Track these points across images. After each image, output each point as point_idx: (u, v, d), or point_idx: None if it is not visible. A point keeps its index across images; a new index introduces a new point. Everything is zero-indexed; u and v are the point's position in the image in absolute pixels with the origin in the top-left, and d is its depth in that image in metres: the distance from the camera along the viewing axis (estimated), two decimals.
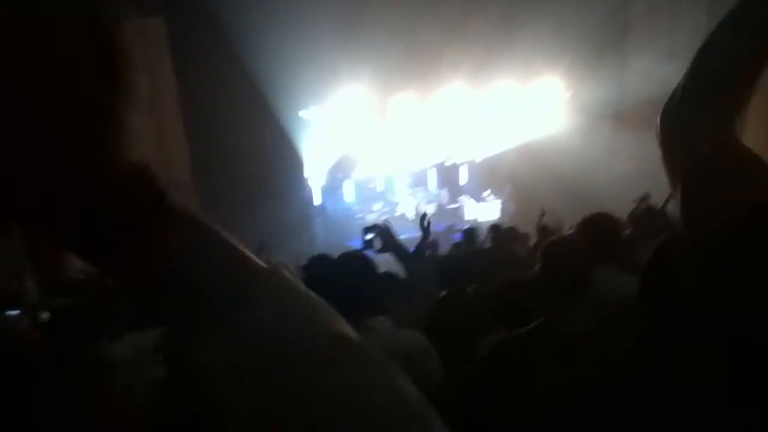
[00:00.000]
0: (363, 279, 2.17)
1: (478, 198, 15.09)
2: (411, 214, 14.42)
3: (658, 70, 8.49)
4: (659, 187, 1.66)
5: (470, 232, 7.13)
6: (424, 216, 5.55)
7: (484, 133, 14.86)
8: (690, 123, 0.78)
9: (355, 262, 2.29)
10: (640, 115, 8.79)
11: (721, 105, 0.77)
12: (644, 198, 5.40)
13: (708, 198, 0.72)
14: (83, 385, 0.59)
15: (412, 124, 14.51)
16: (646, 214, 4.52)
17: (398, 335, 1.99)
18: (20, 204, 0.38)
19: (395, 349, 1.71)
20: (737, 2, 0.76)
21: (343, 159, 14.68)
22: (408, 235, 12.29)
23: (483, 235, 7.30)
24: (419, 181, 15.27)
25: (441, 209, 14.64)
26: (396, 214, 14.48)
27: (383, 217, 12.66)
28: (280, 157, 13.16)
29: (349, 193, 14.97)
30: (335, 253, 2.49)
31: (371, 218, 13.39)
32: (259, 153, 12.19)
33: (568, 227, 6.45)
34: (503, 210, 14.60)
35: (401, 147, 14.72)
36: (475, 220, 13.43)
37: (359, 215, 14.20)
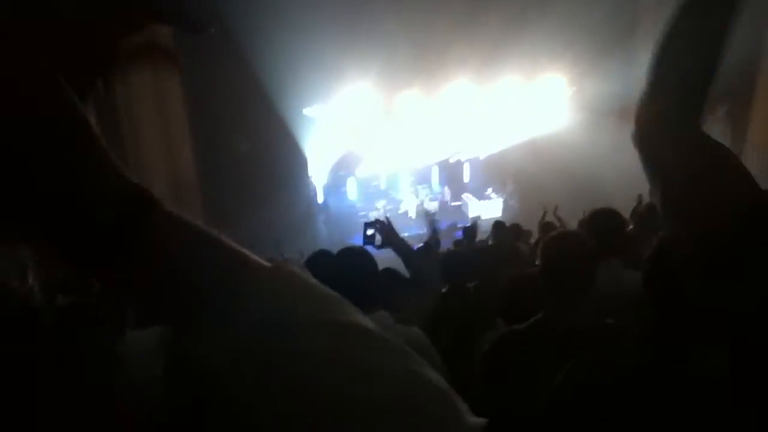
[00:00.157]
0: (363, 274, 2.15)
1: (481, 195, 15.09)
2: (413, 212, 14.44)
3: None
4: None
5: (470, 230, 7.14)
6: (432, 214, 5.56)
7: (488, 130, 14.86)
8: (664, 120, 0.78)
9: (355, 258, 2.28)
10: None
11: (692, 99, 0.77)
12: (641, 197, 5.40)
13: (708, 196, 0.71)
14: (94, 382, 0.60)
15: (416, 121, 14.50)
16: (649, 211, 4.50)
17: (397, 330, 1.97)
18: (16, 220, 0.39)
19: None
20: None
21: (346, 156, 14.69)
22: (410, 232, 12.34)
23: (486, 232, 7.30)
24: (423, 178, 15.27)
25: (444, 207, 14.65)
26: (399, 212, 14.50)
27: (384, 213, 12.68)
28: (284, 155, 13.18)
29: (352, 191, 14.98)
30: (337, 250, 2.48)
31: (374, 216, 13.40)
32: (263, 151, 12.20)
33: (571, 223, 6.48)
34: (506, 207, 14.59)
35: (405, 144, 14.72)
36: (478, 218, 13.43)
37: (362, 213, 14.19)
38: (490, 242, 6.84)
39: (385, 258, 2.98)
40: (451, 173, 15.47)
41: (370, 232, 2.86)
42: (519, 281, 2.72)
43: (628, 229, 3.38)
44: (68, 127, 0.40)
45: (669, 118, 0.78)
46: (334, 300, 0.48)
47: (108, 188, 0.41)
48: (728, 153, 0.75)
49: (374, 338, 0.47)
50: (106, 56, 0.45)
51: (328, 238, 13.07)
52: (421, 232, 12.62)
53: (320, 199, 14.78)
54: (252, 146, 11.86)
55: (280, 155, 12.92)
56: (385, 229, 2.72)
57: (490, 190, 15.15)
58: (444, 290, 3.19)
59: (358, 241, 3.04)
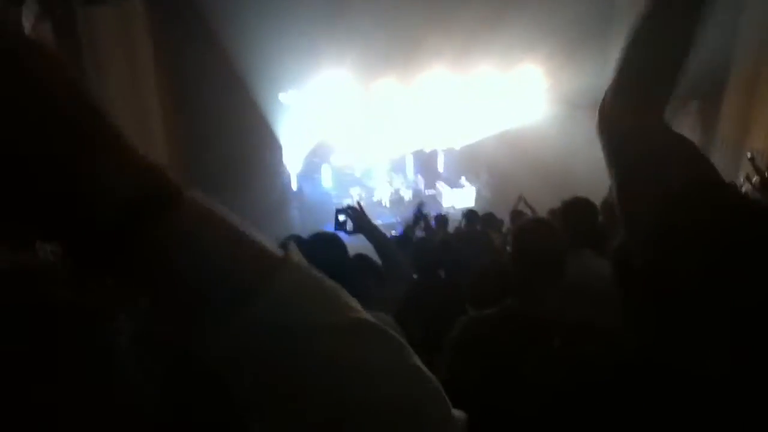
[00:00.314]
0: (333, 260, 2.13)
1: (455, 185, 15.14)
2: (387, 201, 14.45)
3: None
4: None
5: (442, 219, 7.17)
6: (420, 204, 5.57)
7: (464, 121, 14.90)
8: (625, 111, 0.79)
9: (325, 243, 2.25)
10: None
11: (654, 93, 0.79)
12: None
13: (644, 180, 0.73)
14: (93, 382, 0.61)
15: (392, 110, 14.48)
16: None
17: None
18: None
19: None
20: None
21: (321, 144, 14.61)
22: (384, 220, 12.35)
23: (459, 221, 7.34)
24: (397, 167, 15.27)
25: (418, 195, 14.68)
26: (374, 200, 14.49)
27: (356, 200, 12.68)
28: (258, 141, 13.05)
29: (326, 179, 14.91)
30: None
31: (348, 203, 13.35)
32: (237, 137, 12.06)
33: (543, 213, 6.53)
34: (479, 197, 14.67)
35: (380, 133, 14.69)
36: (452, 207, 13.48)
37: (336, 200, 14.15)
38: (462, 230, 6.87)
39: (359, 246, 2.96)
40: (425, 163, 15.50)
41: (341, 218, 2.83)
42: (489, 270, 2.72)
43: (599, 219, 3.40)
44: (75, 117, 0.38)
45: (631, 109, 0.79)
46: (337, 294, 0.48)
47: (113, 188, 0.40)
48: (688, 143, 0.76)
49: (376, 334, 0.47)
50: None
51: (302, 226, 12.98)
52: (394, 220, 12.65)
53: (294, 186, 14.69)
54: (225, 131, 11.72)
55: (253, 141, 12.79)
56: (357, 215, 2.69)
57: (463, 179, 15.22)
58: (415, 278, 3.19)
59: (331, 228, 3.00)
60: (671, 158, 0.73)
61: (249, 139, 12.54)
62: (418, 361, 0.48)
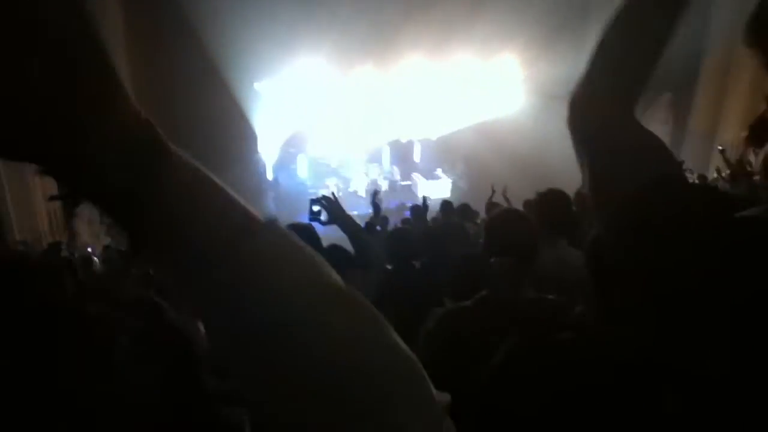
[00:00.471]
0: None
1: (431, 175, 15.17)
2: (363, 191, 14.44)
3: None
4: None
5: (418, 209, 7.18)
6: (375, 193, 5.53)
7: (441, 112, 14.93)
8: (596, 105, 0.80)
9: (298, 234, 2.22)
10: None
11: (626, 88, 0.80)
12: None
13: (614, 174, 0.74)
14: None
15: (369, 99, 14.44)
16: None
17: None
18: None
19: None
20: None
21: (297, 134, 14.53)
22: (360, 211, 12.34)
23: (435, 211, 7.35)
24: (374, 157, 15.25)
25: (393, 186, 14.68)
26: (350, 190, 14.47)
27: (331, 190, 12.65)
28: (232, 130, 12.92)
29: (302, 169, 14.83)
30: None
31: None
32: (211, 126, 11.92)
33: (519, 205, 6.57)
34: (455, 188, 14.72)
35: (357, 123, 14.65)
36: (427, 198, 13.50)
37: (312, 190, 14.08)
38: (437, 221, 6.88)
39: (335, 237, 2.93)
40: (402, 153, 15.50)
41: (316, 208, 2.81)
42: (469, 260, 2.71)
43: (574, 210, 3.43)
44: (87, 57, 0.38)
45: (602, 103, 0.79)
46: (321, 262, 0.47)
47: (125, 122, 0.40)
48: (655, 138, 0.77)
49: (361, 305, 0.47)
50: None
51: (278, 216, 12.86)
52: (370, 210, 12.63)
53: (270, 176, 14.59)
54: (199, 120, 11.58)
55: (228, 130, 12.66)
56: (331, 205, 2.66)
57: (439, 170, 15.26)
58: (391, 268, 3.17)
59: (306, 218, 2.98)
60: (641, 153, 0.73)
61: (223, 128, 12.41)
62: (398, 339, 0.47)
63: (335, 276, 0.47)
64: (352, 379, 0.43)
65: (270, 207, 13.89)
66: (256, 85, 13.54)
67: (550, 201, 2.85)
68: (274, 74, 13.51)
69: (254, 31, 11.31)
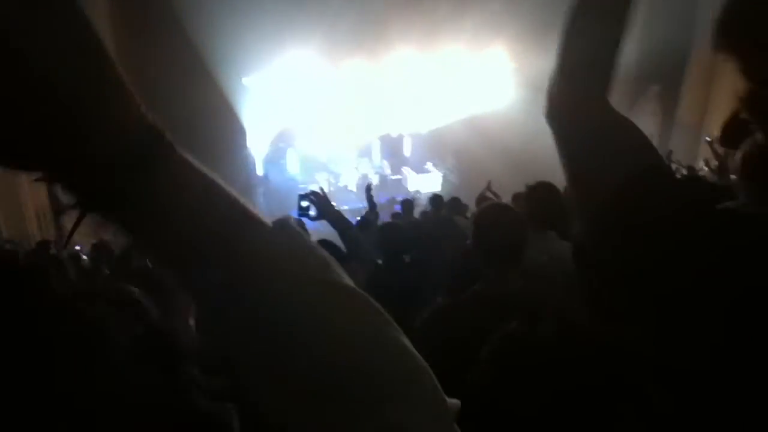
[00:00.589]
0: None
1: (421, 170, 15.17)
2: (354, 186, 14.41)
3: None
4: None
5: (408, 203, 7.17)
6: (369, 188, 5.52)
7: (431, 106, 14.91)
8: (570, 96, 0.80)
9: None
10: None
11: (593, 76, 0.79)
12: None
13: (592, 167, 0.73)
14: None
15: (358, 94, 14.40)
16: None
17: None
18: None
19: None
20: None
21: (287, 129, 14.46)
22: (350, 206, 12.31)
23: (425, 206, 7.35)
24: (364, 152, 15.22)
25: (384, 180, 14.66)
26: (340, 185, 14.43)
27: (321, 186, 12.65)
28: (221, 125, 12.84)
29: (292, 163, 14.77)
30: None
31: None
32: (200, 121, 11.84)
33: (508, 199, 6.57)
34: (445, 182, 14.72)
35: (347, 117, 14.61)
36: (417, 192, 13.50)
37: (302, 185, 14.04)
38: (428, 215, 6.88)
39: (325, 232, 2.93)
40: (392, 147, 15.47)
41: (304, 204, 2.80)
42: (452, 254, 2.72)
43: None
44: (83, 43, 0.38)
45: (575, 94, 0.79)
46: (330, 260, 0.47)
47: (126, 121, 0.40)
48: (633, 127, 0.76)
49: (368, 303, 0.46)
50: None
51: (268, 211, 12.68)
52: (361, 205, 12.62)
53: (259, 172, 14.52)
54: (188, 115, 11.50)
55: (217, 125, 12.58)
56: (320, 200, 2.66)
57: (429, 164, 15.25)
58: (381, 262, 3.17)
59: (295, 214, 2.97)
60: (619, 144, 0.73)
61: (212, 124, 12.32)
62: (405, 340, 0.47)
63: (344, 276, 0.47)
64: (352, 378, 0.42)
65: (260, 202, 13.83)
66: (245, 80, 13.47)
67: (540, 194, 2.86)
68: (263, 69, 13.44)
69: (242, 25, 11.25)
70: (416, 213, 7.41)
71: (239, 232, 0.44)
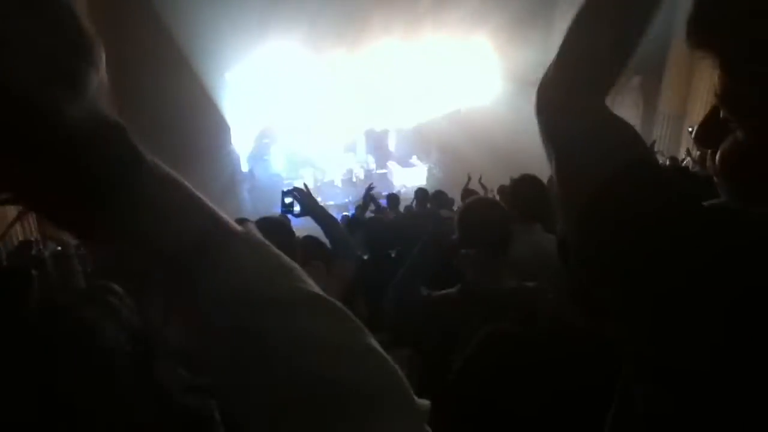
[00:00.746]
0: (280, 244, 2.08)
1: (406, 164, 15.18)
2: (339, 181, 14.39)
3: None
4: None
5: (393, 198, 7.19)
6: (370, 188, 5.56)
7: (415, 99, 14.91)
8: (569, 91, 0.77)
9: (271, 227, 2.20)
10: None
11: (601, 74, 0.77)
12: None
13: (581, 161, 0.72)
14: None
15: (342, 88, 14.36)
16: None
17: None
18: None
19: None
20: None
21: (271, 124, 14.39)
22: (336, 201, 12.30)
23: (410, 200, 7.37)
24: (349, 147, 15.19)
25: (369, 175, 14.65)
26: (326, 180, 14.40)
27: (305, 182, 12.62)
28: (204, 121, 12.75)
29: (276, 160, 14.70)
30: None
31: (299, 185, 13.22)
32: (183, 118, 11.75)
33: (493, 191, 6.60)
34: (430, 176, 14.75)
35: (331, 113, 14.57)
36: (403, 186, 13.52)
37: (287, 181, 13.98)
38: (412, 209, 6.89)
39: (311, 228, 2.91)
40: (377, 142, 15.45)
41: (288, 200, 2.78)
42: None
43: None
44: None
45: (576, 89, 0.77)
46: (295, 269, 0.47)
47: (97, 142, 0.39)
48: (622, 124, 0.74)
49: (335, 311, 0.46)
50: None
51: (253, 208, 12.78)
52: (346, 200, 12.61)
53: (244, 168, 14.44)
54: (170, 112, 11.41)
55: (200, 122, 12.49)
56: (304, 197, 2.64)
57: (414, 158, 15.27)
58: (367, 257, 3.17)
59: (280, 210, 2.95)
60: (609, 140, 0.71)
61: (195, 121, 12.23)
62: (376, 344, 0.46)
63: (311, 284, 0.47)
64: (330, 386, 0.42)
65: (245, 199, 13.76)
66: (227, 76, 13.38)
67: (524, 187, 2.86)
68: (245, 63, 13.34)
69: (224, 19, 11.15)
70: (401, 207, 7.43)
71: (206, 240, 0.43)
